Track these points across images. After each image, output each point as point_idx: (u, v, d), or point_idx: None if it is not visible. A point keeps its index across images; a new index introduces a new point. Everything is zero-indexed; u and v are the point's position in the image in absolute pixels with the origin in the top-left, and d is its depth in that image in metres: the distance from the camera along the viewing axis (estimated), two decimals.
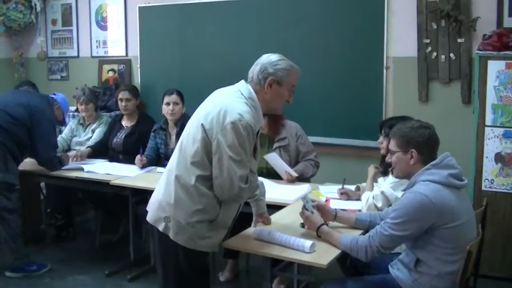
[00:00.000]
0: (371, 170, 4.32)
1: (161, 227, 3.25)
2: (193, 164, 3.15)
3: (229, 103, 3.16)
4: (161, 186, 3.34)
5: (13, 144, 5.04)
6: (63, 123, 5.85)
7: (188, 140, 3.22)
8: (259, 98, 3.24)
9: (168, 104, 5.47)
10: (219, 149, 3.07)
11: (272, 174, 4.76)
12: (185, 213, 3.18)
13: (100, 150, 5.90)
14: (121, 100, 5.83)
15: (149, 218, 3.36)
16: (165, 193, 3.27)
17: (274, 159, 4.75)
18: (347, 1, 5.79)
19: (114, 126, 5.94)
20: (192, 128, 3.24)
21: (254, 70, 3.29)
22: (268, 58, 3.28)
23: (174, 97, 5.47)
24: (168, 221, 3.22)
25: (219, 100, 3.23)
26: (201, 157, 3.14)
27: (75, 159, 5.61)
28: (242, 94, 3.23)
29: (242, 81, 3.32)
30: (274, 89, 3.24)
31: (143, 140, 5.61)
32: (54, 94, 5.65)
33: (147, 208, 3.41)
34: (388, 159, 3.44)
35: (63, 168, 5.40)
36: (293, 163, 4.89)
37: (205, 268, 3.42)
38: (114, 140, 5.82)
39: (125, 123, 5.92)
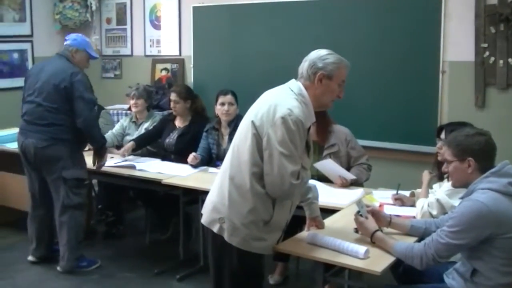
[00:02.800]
0: (426, 176, 4.24)
1: (215, 229, 3.25)
2: (246, 162, 3.15)
3: (279, 99, 3.16)
4: (215, 187, 3.34)
5: (74, 134, 5.03)
6: (93, 57, 5.45)
7: (241, 139, 3.22)
8: (310, 94, 3.22)
9: (223, 104, 5.44)
10: (269, 144, 3.06)
11: (323, 181, 4.70)
12: (239, 213, 3.17)
13: (143, 143, 5.95)
14: (171, 101, 5.85)
15: (203, 220, 3.36)
16: (218, 194, 3.27)
17: (326, 166, 4.69)
18: (402, 4, 5.70)
19: (167, 125, 5.94)
20: (243, 127, 3.25)
21: (303, 66, 3.27)
22: (317, 53, 3.27)
23: (229, 98, 5.45)
24: (222, 222, 3.21)
25: (269, 98, 3.24)
26: (253, 155, 3.13)
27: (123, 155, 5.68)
28: (292, 91, 3.22)
29: (293, 80, 3.31)
30: (324, 84, 3.21)
31: (196, 141, 5.59)
32: (65, 40, 5.31)
33: (202, 211, 3.42)
34: (444, 168, 3.36)
35: (115, 165, 5.44)
36: (344, 169, 4.82)
37: (259, 271, 3.40)
38: (167, 140, 5.82)
39: (178, 123, 5.91)
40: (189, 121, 5.84)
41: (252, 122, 3.14)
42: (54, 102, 4.96)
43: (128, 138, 6.19)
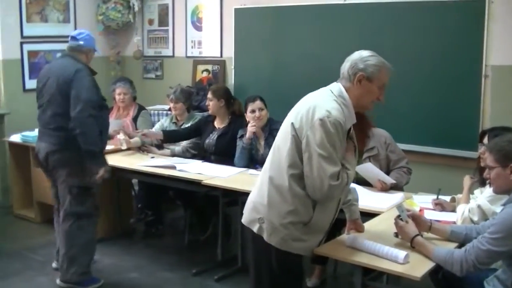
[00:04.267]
0: (467, 181, 4.18)
1: (255, 228, 3.27)
2: (285, 163, 3.16)
3: (318, 101, 3.17)
4: (256, 187, 3.37)
5: None
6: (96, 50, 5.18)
7: (281, 140, 3.24)
8: (350, 95, 3.21)
9: (253, 111, 5.46)
10: (309, 146, 3.08)
11: (363, 184, 4.67)
12: (278, 214, 3.18)
13: (172, 139, 6.02)
14: (207, 100, 5.92)
15: (244, 219, 3.39)
16: (258, 194, 3.30)
17: (366, 169, 4.67)
18: (445, 7, 5.63)
19: (206, 126, 5.97)
20: (284, 128, 3.27)
21: (345, 67, 3.27)
22: (359, 54, 3.25)
23: (258, 103, 5.46)
24: (262, 222, 3.23)
25: (309, 100, 3.24)
26: (293, 156, 3.14)
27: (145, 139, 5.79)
28: (332, 93, 3.22)
29: (334, 83, 3.30)
30: (363, 85, 3.20)
31: (235, 141, 5.62)
32: (75, 39, 4.96)
33: (243, 211, 3.44)
34: (486, 174, 3.32)
35: (155, 165, 5.47)
36: (384, 172, 4.79)
37: (298, 272, 3.40)
38: (207, 141, 5.85)
39: (217, 124, 5.94)
40: (228, 121, 5.86)
41: (292, 124, 3.16)
42: (59, 106, 4.70)
43: None
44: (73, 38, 4.97)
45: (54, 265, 5.29)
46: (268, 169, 3.28)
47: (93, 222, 4.96)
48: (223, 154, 5.57)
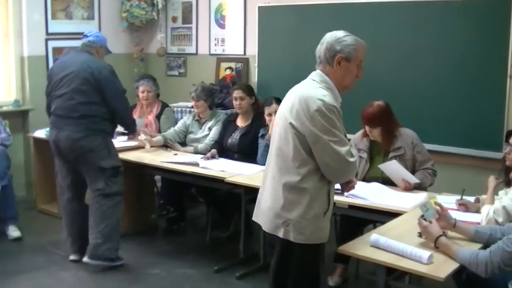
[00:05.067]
0: (492, 181, 4.16)
1: (280, 233, 3.31)
2: (293, 162, 3.25)
3: (306, 92, 3.28)
4: (268, 193, 3.41)
5: (109, 123, 5.21)
6: (109, 52, 5.61)
7: (282, 142, 3.32)
8: (331, 77, 3.32)
9: (270, 114, 5.48)
10: (317, 138, 3.18)
11: (387, 183, 4.67)
12: (300, 212, 3.24)
13: (221, 149, 5.96)
14: (235, 98, 5.87)
15: (266, 228, 3.44)
16: (275, 200, 3.34)
17: (391, 167, 4.66)
18: (468, 5, 5.58)
19: (228, 126, 5.98)
20: (281, 129, 3.34)
21: (320, 50, 3.37)
22: (334, 35, 3.35)
23: (274, 107, 5.39)
24: (286, 225, 3.28)
25: (297, 94, 3.32)
26: (300, 154, 3.23)
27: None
28: (314, 81, 3.32)
29: (313, 72, 3.40)
30: (343, 66, 3.31)
31: (258, 139, 5.64)
32: (86, 36, 5.40)
33: (260, 221, 3.52)
34: None
35: (178, 162, 5.52)
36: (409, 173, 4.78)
37: (319, 262, 3.49)
38: (229, 140, 5.86)
39: (240, 123, 5.95)
40: (251, 119, 5.86)
41: (290, 123, 3.25)
42: (85, 95, 5.02)
43: (191, 136, 6.26)
44: (85, 35, 5.40)
45: (73, 257, 5.38)
46: (276, 173, 3.34)
47: (121, 200, 5.28)
48: (246, 153, 5.58)
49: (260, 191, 3.57)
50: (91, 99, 5.03)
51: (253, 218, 3.62)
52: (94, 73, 5.03)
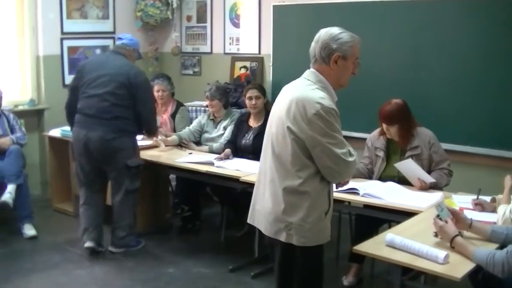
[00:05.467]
0: (508, 181, 4.11)
1: (282, 237, 3.29)
2: (294, 168, 3.21)
3: (303, 95, 3.20)
4: (267, 197, 3.37)
5: (136, 126, 5.43)
6: (140, 56, 5.87)
7: (280, 146, 3.27)
8: (326, 76, 3.26)
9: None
10: (316, 142, 3.15)
11: (403, 183, 4.65)
12: (303, 215, 3.23)
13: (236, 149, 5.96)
14: (251, 98, 5.82)
15: (267, 232, 3.40)
16: (275, 204, 3.30)
17: (407, 166, 4.64)
18: (491, 3, 5.51)
19: (241, 126, 5.96)
20: (278, 131, 3.29)
21: (315, 48, 3.30)
22: (329, 33, 3.28)
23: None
24: (289, 229, 3.25)
25: (293, 95, 3.25)
26: (299, 159, 3.20)
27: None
28: (309, 80, 3.27)
29: (307, 70, 3.35)
30: (339, 65, 3.25)
31: None
32: (120, 38, 5.71)
33: (251, 222, 3.55)
34: None
35: (193, 161, 5.54)
36: (425, 172, 4.74)
37: (322, 263, 3.50)
38: (243, 141, 5.83)
39: (252, 123, 5.92)
40: (263, 119, 5.83)
41: (288, 128, 3.20)
42: (119, 98, 5.25)
43: (206, 135, 6.26)
44: (119, 38, 5.74)
45: (89, 244, 5.48)
46: (276, 179, 3.30)
47: (137, 195, 5.58)
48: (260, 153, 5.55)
49: (255, 192, 3.54)
50: (124, 102, 5.27)
51: (249, 221, 3.59)
52: (131, 77, 5.28)
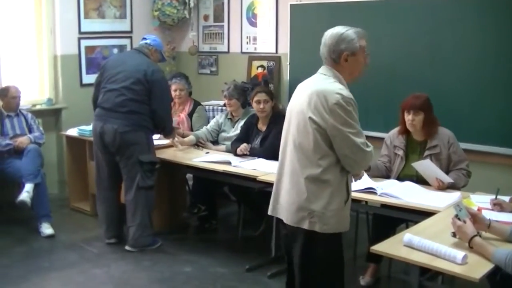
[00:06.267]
0: None
1: (305, 225, 3.39)
2: (316, 157, 3.34)
3: (323, 87, 3.35)
4: (289, 189, 3.49)
5: (151, 122, 5.50)
6: (163, 59, 6.03)
7: (301, 137, 3.39)
8: (341, 73, 3.41)
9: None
10: (337, 131, 3.28)
11: (422, 182, 4.61)
12: (324, 203, 3.35)
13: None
14: (259, 102, 5.72)
15: (289, 221, 3.49)
16: (298, 193, 3.42)
17: (424, 166, 4.60)
18: (507, 0, 5.45)
19: (251, 129, 5.91)
20: (299, 123, 3.41)
21: (324, 52, 3.47)
22: (334, 34, 3.44)
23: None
24: (311, 217, 3.36)
25: (313, 89, 3.39)
26: (321, 147, 3.33)
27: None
28: (326, 75, 3.42)
29: (323, 66, 3.50)
30: (350, 61, 3.41)
31: (278, 139, 5.55)
32: (145, 38, 5.85)
33: (273, 213, 3.64)
34: None
35: (211, 160, 5.53)
36: (443, 172, 4.71)
37: (342, 252, 3.61)
38: (252, 145, 5.77)
39: (261, 126, 5.87)
40: (268, 122, 5.79)
41: (310, 118, 3.32)
42: (135, 93, 5.37)
43: (224, 134, 6.24)
44: (143, 38, 5.86)
45: (111, 241, 5.75)
46: (298, 169, 3.41)
47: (153, 193, 5.61)
48: (270, 155, 5.47)
49: (275, 186, 3.64)
50: (140, 97, 5.38)
51: (270, 213, 3.69)
52: (148, 74, 5.38)
